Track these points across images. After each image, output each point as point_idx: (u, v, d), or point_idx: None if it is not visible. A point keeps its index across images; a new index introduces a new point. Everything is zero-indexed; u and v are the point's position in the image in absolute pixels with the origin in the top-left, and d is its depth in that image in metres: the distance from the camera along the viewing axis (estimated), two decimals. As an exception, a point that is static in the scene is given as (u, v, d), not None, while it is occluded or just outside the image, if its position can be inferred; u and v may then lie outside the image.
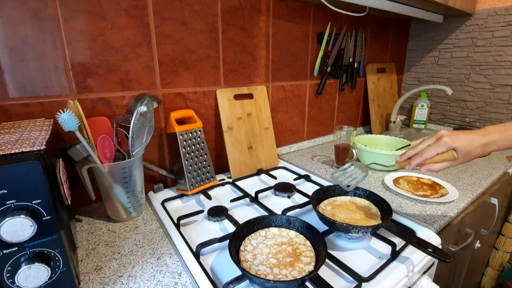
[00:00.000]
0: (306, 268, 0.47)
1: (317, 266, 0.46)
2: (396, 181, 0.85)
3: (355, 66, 1.24)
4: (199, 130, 0.79)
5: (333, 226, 0.57)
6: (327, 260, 0.52)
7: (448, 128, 1.43)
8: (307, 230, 0.55)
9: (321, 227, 0.58)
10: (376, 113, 1.38)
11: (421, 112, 1.43)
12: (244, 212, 0.71)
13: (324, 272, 0.51)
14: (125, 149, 0.67)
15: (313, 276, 0.44)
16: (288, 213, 0.65)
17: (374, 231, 0.57)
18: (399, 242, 0.56)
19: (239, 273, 0.46)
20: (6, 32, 0.56)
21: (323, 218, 0.58)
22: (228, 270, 0.51)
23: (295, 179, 0.88)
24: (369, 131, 1.42)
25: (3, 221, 0.35)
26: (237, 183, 0.86)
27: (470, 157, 0.52)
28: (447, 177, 0.90)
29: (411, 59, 1.54)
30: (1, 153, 0.37)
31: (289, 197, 0.79)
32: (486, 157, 1.07)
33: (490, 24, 1.23)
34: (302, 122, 1.16)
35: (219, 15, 0.82)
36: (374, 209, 0.63)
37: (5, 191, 0.36)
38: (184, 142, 0.75)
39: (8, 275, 0.38)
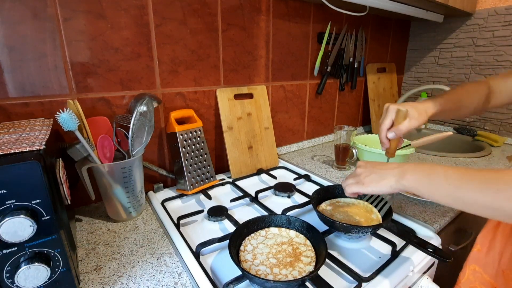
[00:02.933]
0: (306, 268, 0.47)
1: (317, 266, 0.46)
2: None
3: (355, 66, 1.24)
4: (199, 130, 0.79)
5: (333, 226, 0.57)
6: (327, 260, 0.52)
7: (448, 129, 1.43)
8: (307, 230, 0.55)
9: (321, 227, 0.58)
10: (376, 113, 1.38)
11: (421, 112, 1.43)
12: (244, 212, 0.71)
13: (324, 272, 0.51)
14: (125, 149, 0.67)
15: (313, 276, 0.44)
16: (288, 213, 0.65)
17: (374, 231, 0.57)
18: (399, 242, 0.56)
19: (239, 273, 0.46)
20: (5, 31, 0.56)
21: (323, 218, 0.58)
22: (228, 270, 0.51)
23: (295, 179, 0.88)
24: (369, 131, 1.42)
25: (3, 221, 0.35)
26: (237, 183, 0.86)
27: (422, 114, 0.61)
28: (447, 177, 0.90)
29: (411, 59, 1.54)
30: (1, 153, 0.37)
31: (289, 197, 0.79)
32: (486, 157, 1.07)
33: (490, 23, 1.23)
34: (302, 122, 1.16)
35: (219, 14, 0.82)
36: (375, 214, 0.62)
37: (5, 191, 0.36)
38: (184, 142, 0.75)
39: (7, 275, 0.38)
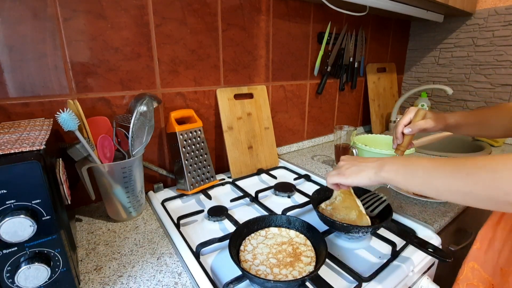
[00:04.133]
0: (306, 268, 0.47)
1: (317, 266, 0.46)
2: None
3: (355, 65, 1.24)
4: (199, 130, 0.79)
5: (333, 226, 0.57)
6: (327, 260, 0.52)
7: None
8: (307, 230, 0.55)
9: (321, 227, 0.58)
10: (376, 112, 1.38)
11: (421, 112, 1.43)
12: (244, 212, 0.71)
13: (325, 272, 0.51)
14: (125, 148, 0.67)
15: (314, 276, 0.44)
16: (288, 213, 0.65)
17: (374, 231, 0.57)
18: (399, 242, 0.56)
19: (239, 273, 0.46)
20: (5, 31, 0.56)
21: (323, 218, 0.58)
22: (228, 270, 0.51)
23: (295, 179, 0.88)
24: (369, 131, 1.42)
25: (3, 221, 0.35)
26: (237, 182, 0.86)
27: (440, 118, 0.65)
28: (447, 177, 0.90)
29: (412, 59, 1.54)
30: (1, 153, 0.37)
31: (289, 197, 0.79)
32: (487, 157, 1.07)
33: (490, 23, 1.23)
34: (302, 122, 1.16)
35: (219, 14, 0.82)
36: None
37: (5, 191, 0.36)
38: (184, 142, 0.75)
39: (8, 275, 0.38)
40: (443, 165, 0.42)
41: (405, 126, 0.65)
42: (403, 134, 0.66)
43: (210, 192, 0.78)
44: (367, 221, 0.57)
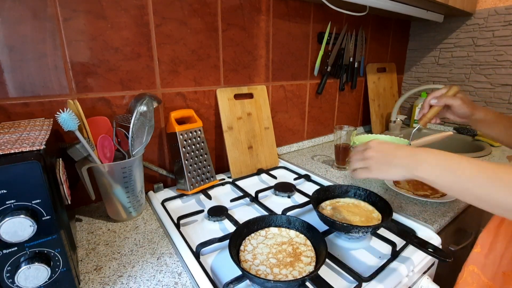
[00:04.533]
0: (306, 268, 0.47)
1: (317, 266, 0.46)
2: (396, 181, 0.85)
3: (355, 65, 1.24)
4: (199, 130, 0.79)
5: (333, 226, 0.57)
6: (327, 260, 0.52)
7: (448, 129, 1.43)
8: (307, 230, 0.55)
9: (321, 227, 0.58)
10: (376, 112, 1.38)
11: (421, 112, 1.43)
12: (244, 212, 0.71)
13: (325, 272, 0.51)
14: (125, 148, 0.67)
15: (314, 276, 0.44)
16: (288, 213, 0.65)
17: (374, 231, 0.57)
18: (399, 242, 0.56)
19: (239, 273, 0.46)
20: (5, 31, 0.56)
21: (323, 218, 0.58)
22: (228, 270, 0.51)
23: (295, 179, 0.88)
24: (369, 131, 1.42)
25: (3, 221, 0.35)
26: (237, 182, 0.86)
27: (469, 105, 0.65)
28: (448, 177, 0.90)
29: (412, 59, 1.54)
30: (1, 153, 0.37)
31: (289, 197, 0.79)
32: (486, 157, 1.07)
33: (490, 23, 1.23)
34: (302, 122, 1.16)
35: (219, 14, 0.82)
36: (376, 213, 0.62)
37: (5, 191, 0.36)
38: (184, 142, 0.75)
39: (8, 275, 0.38)
40: (485, 171, 0.38)
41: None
42: (430, 106, 0.68)
43: (210, 192, 0.78)
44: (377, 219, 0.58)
